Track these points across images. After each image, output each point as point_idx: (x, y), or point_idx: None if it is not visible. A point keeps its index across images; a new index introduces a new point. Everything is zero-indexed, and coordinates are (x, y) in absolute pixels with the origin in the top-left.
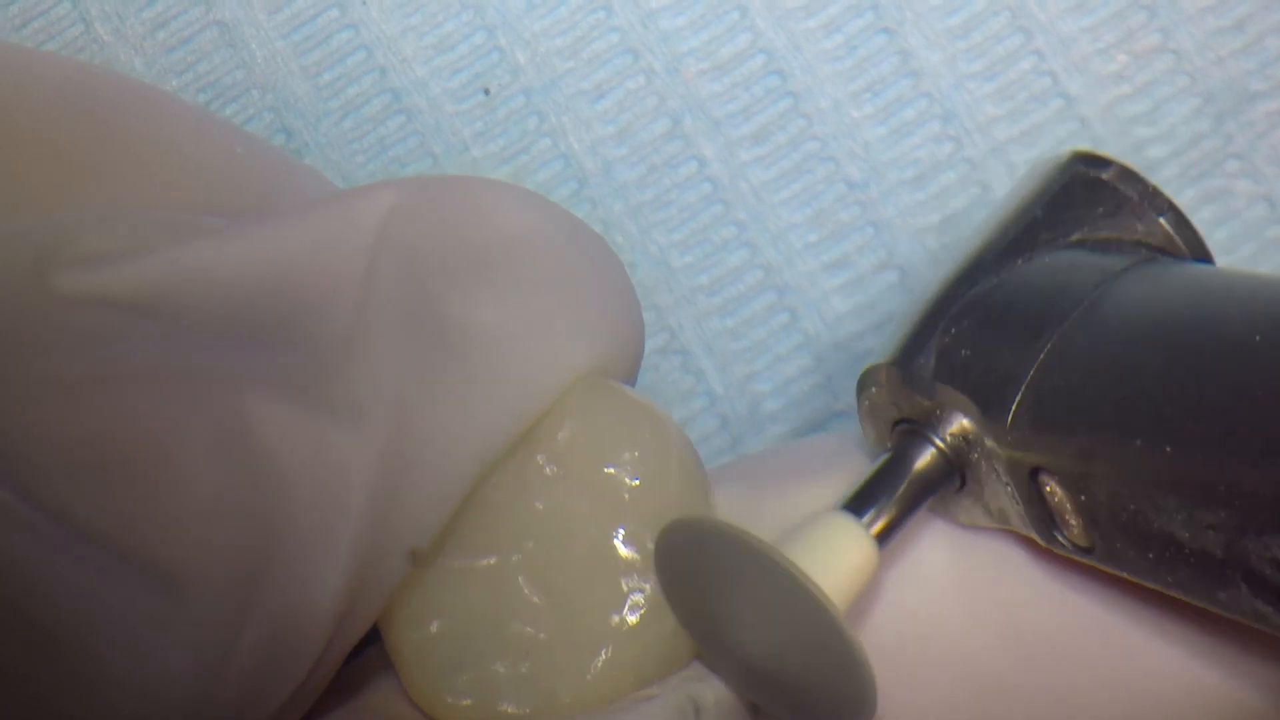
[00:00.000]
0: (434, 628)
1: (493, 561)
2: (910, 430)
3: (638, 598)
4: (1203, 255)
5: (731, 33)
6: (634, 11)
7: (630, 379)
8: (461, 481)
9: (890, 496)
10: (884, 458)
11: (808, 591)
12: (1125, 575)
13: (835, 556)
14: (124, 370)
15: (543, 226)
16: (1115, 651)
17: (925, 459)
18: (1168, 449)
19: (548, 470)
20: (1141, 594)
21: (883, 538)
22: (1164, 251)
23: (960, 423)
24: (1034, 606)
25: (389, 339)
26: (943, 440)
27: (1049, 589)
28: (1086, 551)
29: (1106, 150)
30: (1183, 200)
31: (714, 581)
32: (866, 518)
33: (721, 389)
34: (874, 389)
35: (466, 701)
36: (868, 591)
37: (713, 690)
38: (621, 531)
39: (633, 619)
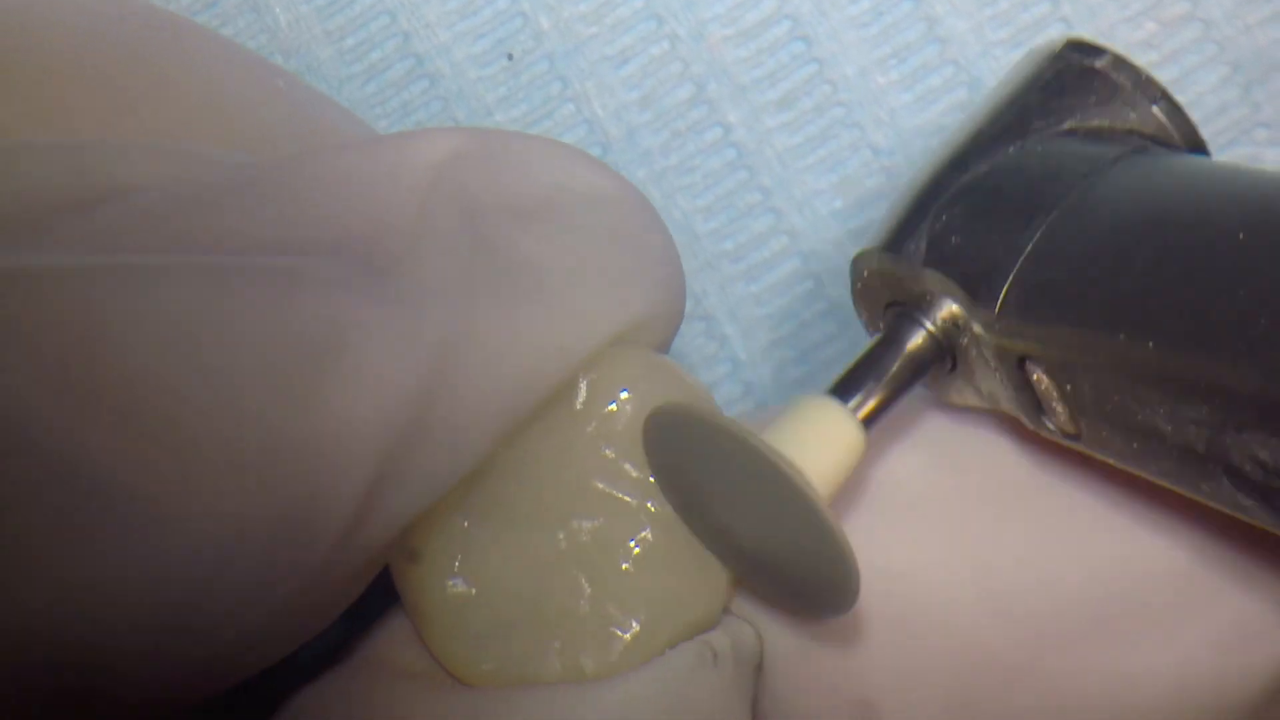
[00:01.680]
0: (472, 591)
1: (544, 534)
2: (901, 313)
3: (675, 577)
4: (1196, 144)
5: None
6: None
7: (669, 341)
8: (504, 402)
9: (880, 379)
10: (874, 339)
11: (789, 479)
12: (1111, 461)
13: (820, 441)
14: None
15: (595, 180)
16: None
17: (916, 340)
18: (1150, 344)
19: (608, 453)
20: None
21: (870, 420)
22: (1157, 140)
23: (950, 308)
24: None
25: (445, 254)
26: (933, 324)
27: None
28: (1073, 437)
29: None
30: None
31: (701, 469)
32: (853, 401)
33: (745, 355)
34: (865, 272)
35: (489, 666)
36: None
37: (729, 636)
38: (668, 510)
39: (666, 600)
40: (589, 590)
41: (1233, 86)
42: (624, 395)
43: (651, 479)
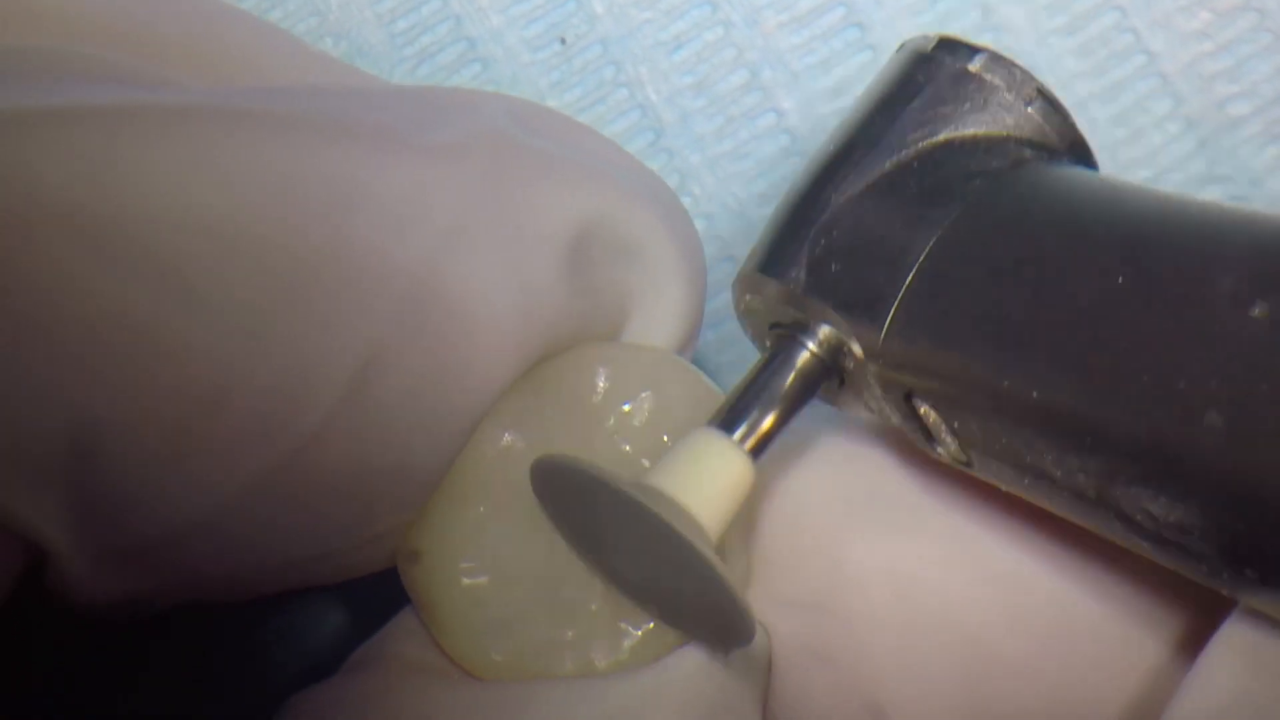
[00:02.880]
0: (484, 580)
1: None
2: (784, 334)
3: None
4: (1076, 143)
5: None
6: None
7: (692, 339)
8: (511, 297)
9: (769, 403)
10: (755, 364)
11: (668, 526)
12: (1003, 489)
13: (704, 477)
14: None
15: (631, 163)
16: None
17: (802, 361)
18: (1034, 394)
19: (625, 448)
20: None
21: (758, 450)
22: (1036, 144)
23: (834, 335)
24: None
25: (487, 119)
26: (818, 347)
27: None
28: (965, 465)
29: (1189, 109)
30: (1265, 159)
31: (588, 517)
32: (740, 431)
33: None
34: (747, 295)
35: (500, 657)
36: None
37: None
38: None
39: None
40: (602, 585)
41: None
42: (644, 395)
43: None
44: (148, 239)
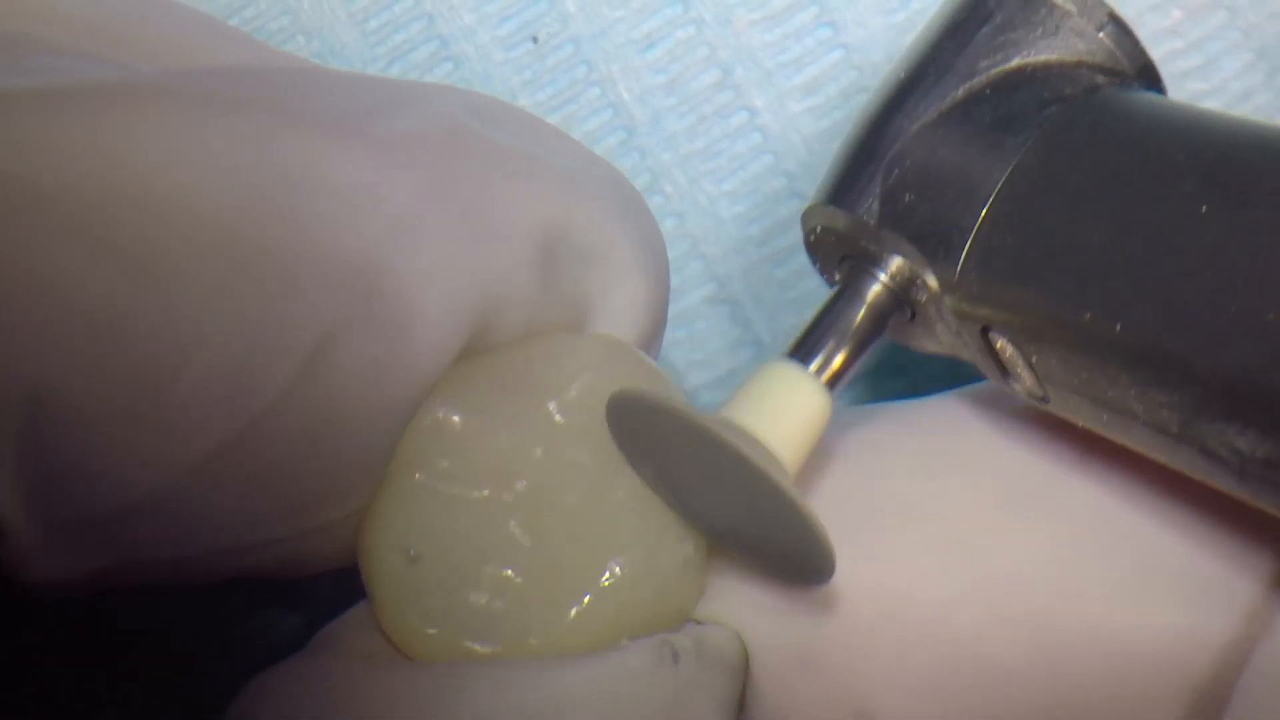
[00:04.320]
0: (413, 552)
1: (485, 494)
2: (857, 266)
3: (620, 559)
4: (1147, 69)
5: None
6: None
7: (657, 330)
8: (464, 281)
9: (840, 338)
10: (829, 296)
11: (749, 460)
12: (1081, 424)
13: (783, 410)
14: None
15: (591, 159)
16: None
17: (873, 293)
18: (1117, 327)
19: (557, 418)
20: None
21: (834, 382)
22: (1107, 70)
23: (907, 267)
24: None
25: (441, 104)
26: (890, 279)
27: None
28: (1041, 400)
29: None
30: None
31: (666, 452)
32: (815, 363)
33: (769, 339)
34: (819, 227)
35: (433, 630)
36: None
37: (691, 637)
38: (617, 492)
39: (611, 578)
40: (536, 557)
41: (1257, 73)
42: (584, 376)
43: (609, 454)
44: (103, 215)
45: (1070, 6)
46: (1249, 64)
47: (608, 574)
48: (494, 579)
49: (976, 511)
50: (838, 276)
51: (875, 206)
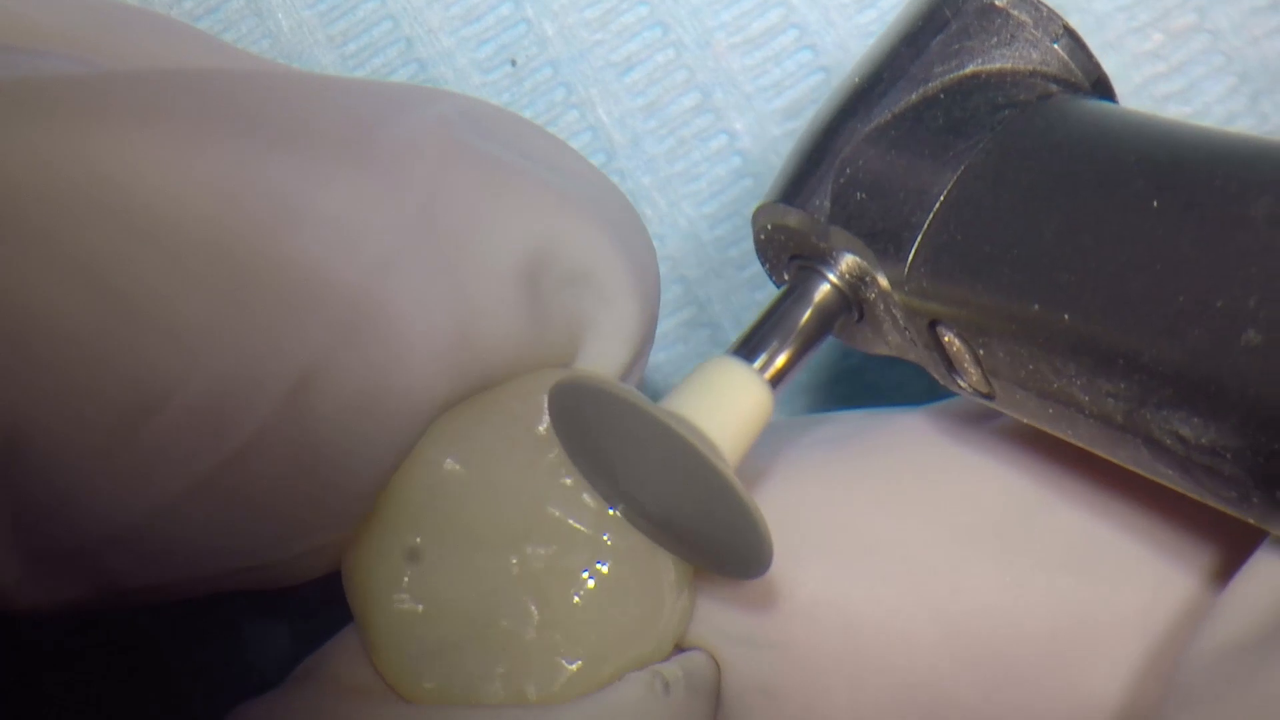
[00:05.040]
0: (419, 608)
1: (496, 557)
2: (805, 265)
3: (621, 613)
4: (1100, 82)
5: (763, 7)
6: None
7: (644, 356)
8: (453, 314)
9: (785, 337)
10: (776, 295)
11: (693, 448)
12: (1026, 421)
13: (724, 405)
14: None
15: (585, 170)
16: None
17: (821, 294)
18: (1065, 316)
19: (567, 481)
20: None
21: (777, 380)
22: (1061, 81)
23: (855, 263)
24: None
25: (434, 125)
26: (838, 278)
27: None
28: (987, 397)
29: None
30: None
31: (608, 441)
32: (759, 360)
33: None
34: (770, 225)
35: (431, 685)
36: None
37: (681, 666)
38: (617, 543)
39: (613, 633)
40: (537, 618)
41: (1240, 97)
42: None
43: (611, 510)
44: (82, 233)
45: (1025, 18)
46: (1232, 88)
47: (610, 628)
48: (499, 639)
49: (937, 545)
50: (786, 277)
51: (826, 205)
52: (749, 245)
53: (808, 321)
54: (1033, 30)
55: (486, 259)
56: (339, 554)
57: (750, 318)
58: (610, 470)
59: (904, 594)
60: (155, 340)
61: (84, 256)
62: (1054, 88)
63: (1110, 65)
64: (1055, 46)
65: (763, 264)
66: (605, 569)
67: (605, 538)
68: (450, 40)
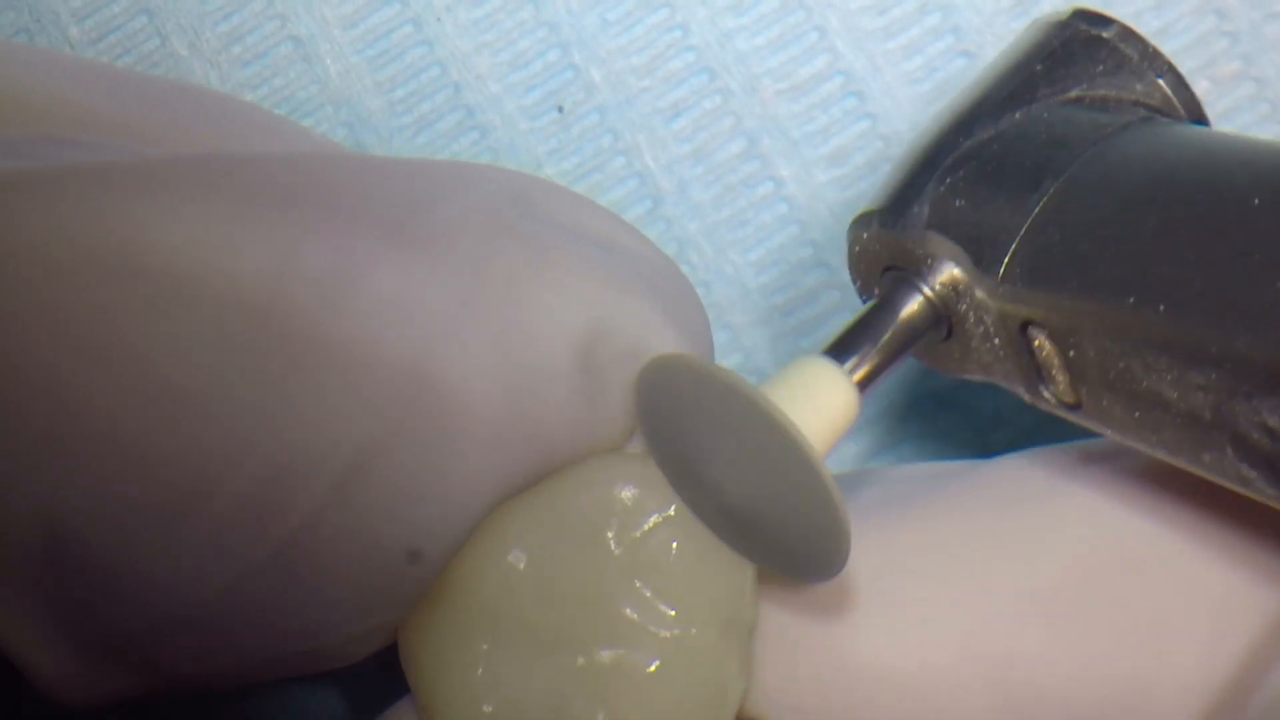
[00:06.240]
0: (487, 709)
1: (563, 659)
2: (899, 277)
3: (690, 707)
4: (1199, 118)
5: (810, 54)
6: (711, 31)
7: None
8: (507, 390)
9: (874, 343)
10: (870, 304)
11: (785, 433)
12: (1109, 433)
13: (814, 400)
14: None
15: (637, 243)
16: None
17: (912, 306)
18: (1161, 308)
19: (637, 584)
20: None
21: (864, 384)
22: (1161, 112)
23: (950, 272)
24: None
25: (481, 204)
26: (931, 289)
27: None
28: (1072, 408)
29: None
30: None
31: (693, 421)
32: (849, 364)
33: None
34: (865, 234)
35: None
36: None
37: None
38: (694, 635)
39: None
40: (604, 710)
41: None
42: (654, 520)
43: (672, 612)
44: (130, 333)
45: (1131, 52)
46: (1279, 135)
47: None
48: None
49: (1002, 604)
50: (877, 291)
51: (925, 211)
52: (795, 292)
53: (898, 330)
54: (1137, 64)
55: (535, 337)
56: (391, 633)
57: None
58: (688, 455)
59: (959, 654)
60: (199, 430)
61: (136, 348)
62: (1154, 116)
63: None
64: (1159, 81)
65: (853, 280)
66: (673, 667)
67: (670, 633)
68: (498, 86)
